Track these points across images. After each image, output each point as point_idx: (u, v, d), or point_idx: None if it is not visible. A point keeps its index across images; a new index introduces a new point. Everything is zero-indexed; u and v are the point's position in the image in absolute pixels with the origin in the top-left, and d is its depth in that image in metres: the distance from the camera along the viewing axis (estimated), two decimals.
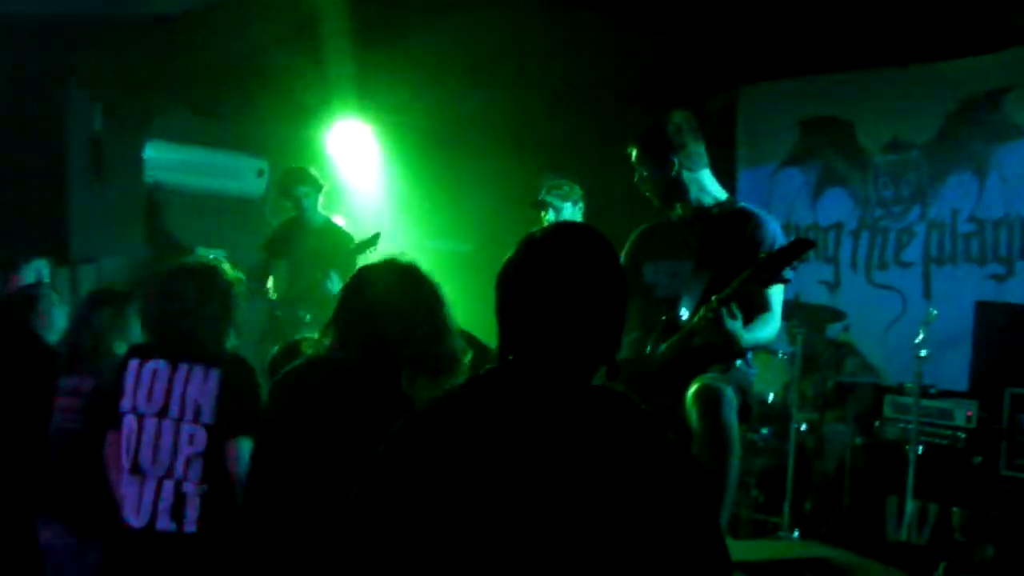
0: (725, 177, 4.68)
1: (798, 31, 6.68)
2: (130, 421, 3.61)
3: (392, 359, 3.00)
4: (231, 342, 3.82)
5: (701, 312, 3.79)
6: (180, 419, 3.56)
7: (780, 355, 6.52)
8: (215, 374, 3.57)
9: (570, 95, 7.57)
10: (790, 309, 5.40)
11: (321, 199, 7.03)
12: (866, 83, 7.36)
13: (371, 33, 6.41)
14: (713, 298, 3.74)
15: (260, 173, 8.42)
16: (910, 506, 5.52)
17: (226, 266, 3.82)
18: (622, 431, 1.89)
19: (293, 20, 6.40)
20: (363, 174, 8.55)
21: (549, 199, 5.83)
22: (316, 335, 3.63)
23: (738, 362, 4.04)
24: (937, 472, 5.60)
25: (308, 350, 3.38)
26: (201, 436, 3.55)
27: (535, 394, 1.91)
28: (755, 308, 3.91)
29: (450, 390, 1.97)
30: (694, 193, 4.16)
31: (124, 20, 6.24)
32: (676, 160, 4.10)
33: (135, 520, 3.56)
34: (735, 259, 3.85)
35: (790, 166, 7.91)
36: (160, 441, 3.56)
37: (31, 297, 4.78)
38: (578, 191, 5.96)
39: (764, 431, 6.33)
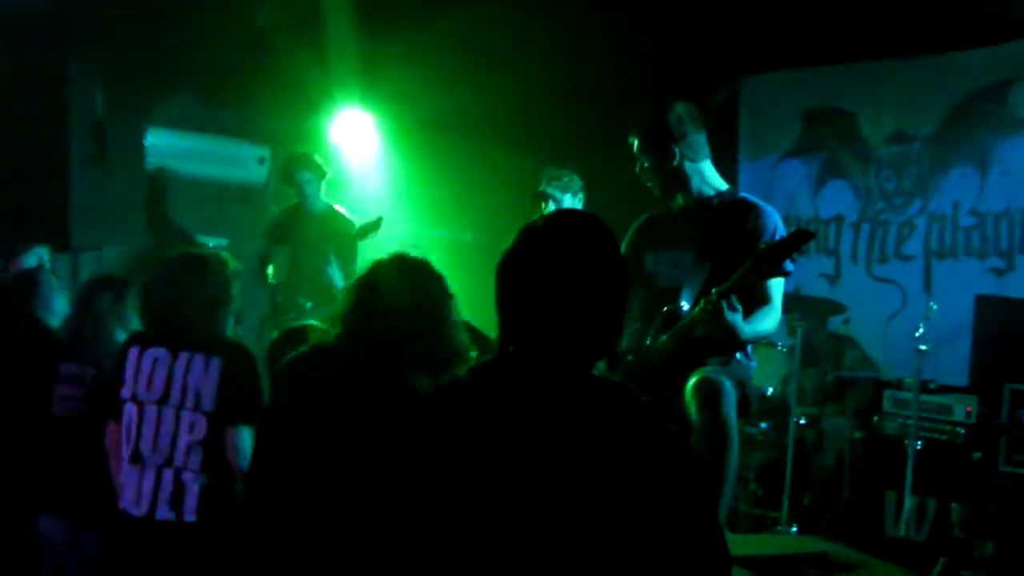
0: (727, 168, 4.67)
1: (801, 22, 6.66)
2: (130, 409, 3.62)
3: (398, 353, 3.00)
4: (231, 330, 3.83)
5: (701, 304, 3.79)
6: (180, 407, 3.56)
7: (780, 348, 6.51)
8: (216, 362, 3.57)
9: (572, 85, 7.56)
10: (790, 302, 5.40)
11: (323, 186, 7.02)
12: (870, 74, 7.34)
13: (374, 22, 6.40)
14: (713, 290, 3.74)
15: (262, 161, 8.42)
16: (909, 501, 5.52)
17: (225, 255, 3.83)
18: (622, 423, 1.88)
19: (296, 7, 6.39)
20: (365, 163, 8.54)
21: (549, 190, 5.82)
22: (316, 321, 3.65)
23: (738, 355, 4.04)
24: (936, 467, 5.60)
25: (314, 337, 3.39)
26: (201, 424, 3.55)
27: (535, 385, 1.90)
28: (755, 300, 3.91)
29: (451, 381, 1.96)
30: (695, 184, 4.16)
31: (126, 6, 6.23)
32: (677, 151, 4.10)
33: (135, 509, 3.56)
34: (736, 250, 3.85)
35: (792, 158, 7.89)
36: (160, 429, 3.57)
37: (32, 281, 4.78)
38: (578, 182, 5.95)
39: (763, 425, 6.33)
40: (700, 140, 4.17)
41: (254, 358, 3.69)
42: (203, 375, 3.57)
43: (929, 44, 6.85)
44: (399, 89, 7.60)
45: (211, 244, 6.74)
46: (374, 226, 6.50)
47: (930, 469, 5.57)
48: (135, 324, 4.02)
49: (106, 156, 6.49)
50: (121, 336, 4.00)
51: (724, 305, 3.69)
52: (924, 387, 5.71)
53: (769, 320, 3.98)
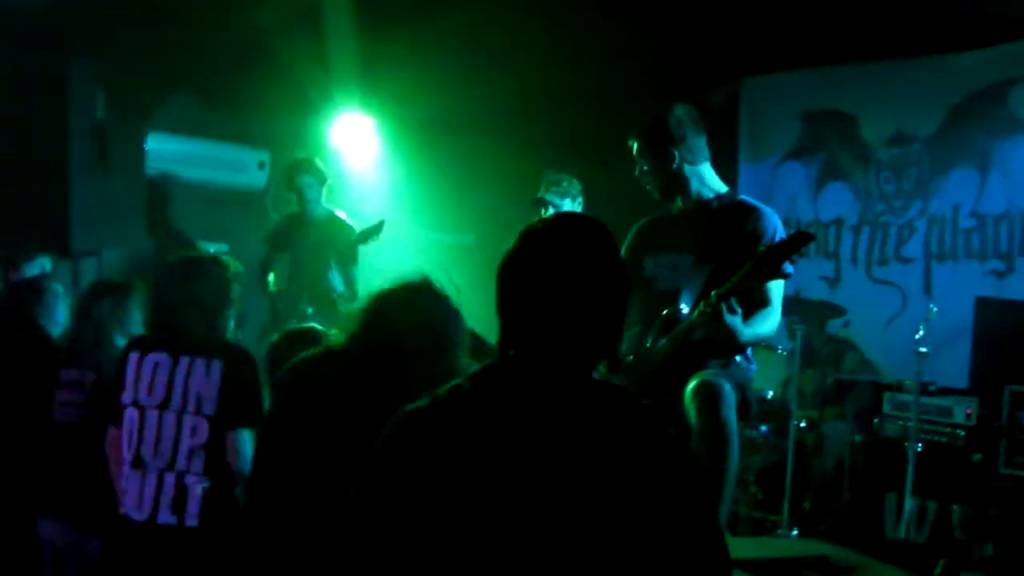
0: (727, 169, 4.67)
1: (801, 23, 6.67)
2: (131, 414, 3.62)
3: (403, 367, 3.00)
4: (232, 334, 3.83)
5: (700, 307, 3.79)
6: (182, 411, 3.56)
7: (780, 351, 6.51)
8: (217, 365, 3.57)
9: (572, 87, 7.56)
10: (790, 305, 5.39)
11: (325, 191, 7.03)
12: (869, 76, 7.33)
13: (374, 22, 6.40)
14: (712, 293, 3.74)
15: (262, 166, 8.41)
16: (909, 504, 5.52)
17: (227, 259, 3.83)
18: (622, 427, 1.88)
19: (296, 8, 6.40)
20: (366, 166, 8.54)
21: (548, 197, 5.82)
22: (317, 326, 3.65)
23: (738, 358, 4.04)
24: (936, 470, 5.60)
25: (320, 340, 3.39)
26: (203, 428, 3.55)
27: (536, 389, 1.90)
28: (755, 303, 3.91)
29: (452, 386, 1.95)
30: (695, 186, 4.16)
31: (126, 6, 6.22)
32: (677, 153, 4.10)
33: (136, 514, 3.56)
34: (735, 252, 3.85)
35: (792, 160, 7.89)
36: (162, 433, 3.57)
37: (37, 290, 4.79)
38: (577, 186, 5.94)
39: (763, 428, 6.33)
40: (700, 143, 4.17)
41: (255, 361, 3.69)
42: (204, 379, 3.57)
43: (929, 45, 6.84)
44: (399, 91, 7.60)
45: (211, 249, 6.73)
46: (376, 230, 6.51)
47: (930, 471, 5.57)
48: (136, 329, 4.02)
49: (106, 158, 6.49)
50: (121, 341, 3.99)
51: (723, 308, 3.69)
52: (924, 389, 5.70)
53: (769, 323, 3.97)
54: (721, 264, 3.90)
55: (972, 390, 5.93)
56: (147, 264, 7.13)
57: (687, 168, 4.14)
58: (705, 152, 4.20)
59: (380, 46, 6.71)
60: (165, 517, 3.53)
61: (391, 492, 1.87)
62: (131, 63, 6.78)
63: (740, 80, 8.03)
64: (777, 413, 6.34)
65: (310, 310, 6.55)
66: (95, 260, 6.74)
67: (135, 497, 3.56)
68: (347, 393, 2.95)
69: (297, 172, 6.98)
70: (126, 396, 3.63)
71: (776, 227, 4.03)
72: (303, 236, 6.98)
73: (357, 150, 8.49)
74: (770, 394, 6.45)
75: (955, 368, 6.30)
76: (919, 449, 5.57)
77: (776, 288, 4.00)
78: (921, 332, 5.57)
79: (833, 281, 7.56)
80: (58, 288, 4.82)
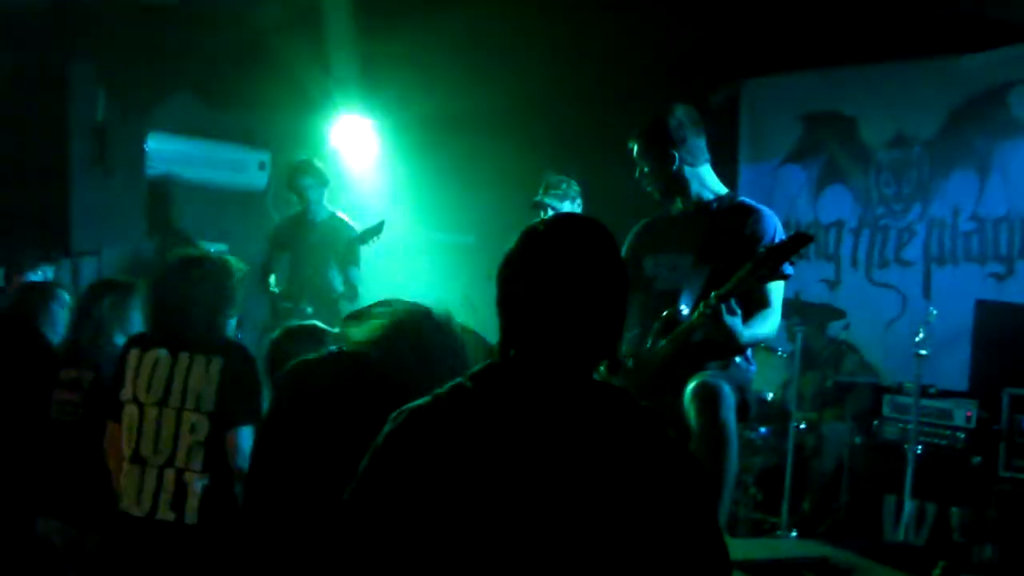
0: (727, 170, 4.67)
1: (802, 25, 6.67)
2: (131, 410, 3.62)
3: (403, 385, 2.99)
4: (233, 334, 3.83)
5: (700, 308, 3.79)
6: (181, 407, 3.57)
7: (779, 353, 6.51)
8: (217, 362, 3.58)
9: (573, 87, 7.56)
10: (790, 307, 5.40)
11: (326, 193, 7.04)
12: (870, 78, 7.34)
13: (374, 22, 6.40)
14: (712, 294, 3.74)
15: (262, 166, 8.41)
16: (908, 506, 5.52)
17: (230, 260, 3.84)
18: (622, 428, 1.88)
19: (296, 8, 6.39)
20: (366, 167, 8.55)
21: (547, 200, 5.81)
22: (319, 323, 3.65)
23: (737, 359, 4.04)
24: (936, 472, 5.59)
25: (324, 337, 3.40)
26: (203, 424, 3.55)
27: (535, 390, 1.90)
28: (755, 304, 3.91)
29: (453, 386, 1.95)
30: (694, 188, 4.16)
31: (127, 6, 6.22)
32: (677, 155, 4.10)
33: (135, 510, 3.56)
34: (735, 254, 3.85)
35: (792, 162, 7.89)
36: (161, 430, 3.57)
37: (44, 295, 4.79)
38: (576, 187, 5.94)
39: (763, 430, 6.32)
40: (700, 144, 4.17)
41: (255, 360, 3.69)
42: (204, 375, 3.57)
43: (930, 47, 6.85)
44: (399, 91, 7.61)
45: (212, 249, 6.73)
46: (376, 230, 6.53)
47: (930, 474, 5.57)
48: (136, 329, 4.02)
49: (106, 158, 6.49)
50: (121, 340, 4.00)
51: (723, 309, 3.69)
52: (924, 392, 5.71)
53: (768, 324, 3.97)
54: (721, 265, 3.90)
55: (972, 393, 5.92)
56: (147, 264, 7.13)
57: (687, 170, 4.14)
58: (705, 154, 4.20)
59: (380, 46, 6.71)
60: (164, 513, 3.53)
61: (391, 489, 1.86)
62: (131, 63, 6.78)
63: (740, 81, 8.04)
64: (777, 415, 6.34)
65: (309, 309, 6.56)
66: (95, 260, 6.73)
67: (134, 494, 3.57)
68: (345, 400, 2.95)
69: (299, 173, 7.00)
70: (125, 392, 3.63)
71: (776, 228, 4.03)
72: (304, 237, 6.99)
73: (357, 150, 8.49)
74: (770, 396, 6.46)
75: (955, 371, 6.30)
76: (918, 451, 5.57)
77: (776, 289, 4.00)
78: (921, 335, 5.57)
79: (833, 283, 7.56)
80: (65, 296, 4.82)
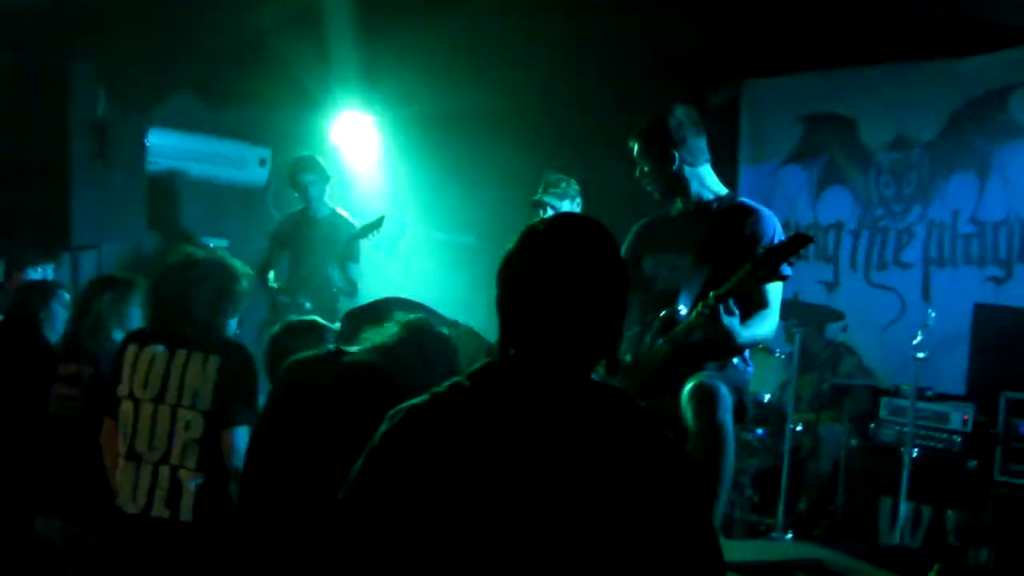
0: (727, 170, 4.68)
1: (802, 26, 6.66)
2: (127, 406, 3.62)
3: (401, 391, 3.00)
4: (232, 331, 3.83)
5: (698, 308, 3.80)
6: (177, 404, 3.56)
7: (777, 355, 6.50)
8: (215, 360, 3.58)
9: (573, 88, 7.56)
10: (788, 308, 5.39)
11: (328, 190, 7.05)
12: (870, 80, 7.33)
13: (374, 22, 6.40)
14: (711, 294, 3.75)
15: (262, 162, 8.42)
16: (904, 509, 5.52)
17: (236, 261, 3.84)
18: (619, 428, 1.88)
19: (296, 7, 6.39)
20: (366, 165, 8.55)
21: (546, 199, 5.82)
22: (318, 319, 3.66)
23: (735, 360, 4.04)
24: (932, 475, 5.59)
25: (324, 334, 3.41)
26: (198, 422, 3.55)
27: (534, 390, 1.90)
28: (753, 305, 3.92)
29: (452, 385, 1.96)
30: (694, 188, 4.17)
31: (127, 6, 6.22)
32: (677, 155, 4.11)
33: (130, 507, 3.56)
34: (734, 254, 3.86)
35: (792, 163, 7.88)
36: (156, 426, 3.57)
37: (45, 294, 4.79)
38: (575, 187, 5.95)
39: (759, 431, 6.31)
40: (700, 144, 4.18)
41: (252, 358, 3.69)
42: (201, 373, 3.57)
43: (930, 50, 6.85)
44: (399, 90, 7.61)
45: (211, 245, 6.74)
46: (375, 225, 6.54)
47: (926, 477, 5.57)
48: (135, 325, 4.02)
49: (106, 155, 6.49)
50: (120, 336, 4.00)
51: (721, 309, 3.69)
52: (921, 395, 5.71)
53: (767, 325, 3.98)
54: (720, 265, 3.91)
55: (969, 396, 5.92)
56: (147, 261, 7.14)
57: (687, 170, 4.14)
58: (705, 154, 4.21)
59: (380, 45, 6.70)
60: (159, 510, 3.53)
61: (387, 488, 1.87)
62: (131, 63, 6.78)
63: (741, 82, 8.03)
64: (774, 416, 6.33)
65: (308, 305, 6.57)
66: (95, 256, 6.74)
67: (129, 490, 3.56)
68: (344, 400, 2.95)
69: (300, 169, 7.01)
70: (122, 388, 3.64)
71: (775, 229, 4.03)
72: (305, 233, 7.01)
73: (357, 148, 8.49)
74: (767, 397, 6.45)
75: (952, 374, 6.30)
76: (915, 454, 5.57)
77: (774, 290, 4.01)
78: (919, 338, 5.56)
79: (832, 285, 7.56)
80: (66, 296, 4.83)
